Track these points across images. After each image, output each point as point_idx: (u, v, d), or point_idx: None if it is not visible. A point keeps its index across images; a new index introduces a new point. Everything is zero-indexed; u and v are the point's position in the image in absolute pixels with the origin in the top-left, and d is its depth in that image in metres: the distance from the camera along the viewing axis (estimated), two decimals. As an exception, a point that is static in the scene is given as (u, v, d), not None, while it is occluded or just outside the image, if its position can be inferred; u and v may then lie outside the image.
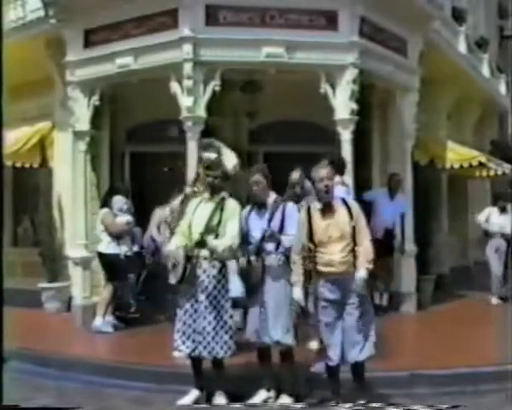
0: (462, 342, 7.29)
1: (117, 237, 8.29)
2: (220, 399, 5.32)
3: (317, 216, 4.90)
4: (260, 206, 5.35)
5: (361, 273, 4.77)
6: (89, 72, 8.95)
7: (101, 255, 8.40)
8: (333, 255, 4.79)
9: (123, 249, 8.28)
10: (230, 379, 5.48)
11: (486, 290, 10.70)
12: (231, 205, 5.35)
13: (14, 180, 10.97)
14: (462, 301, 10.59)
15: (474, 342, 7.31)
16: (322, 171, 4.90)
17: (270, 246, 5.20)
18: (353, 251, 4.82)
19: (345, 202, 4.99)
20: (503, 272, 10.75)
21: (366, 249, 4.84)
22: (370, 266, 4.83)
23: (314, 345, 6.07)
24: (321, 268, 4.83)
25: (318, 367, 5.12)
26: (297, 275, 4.96)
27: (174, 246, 5.29)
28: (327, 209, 4.88)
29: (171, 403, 5.41)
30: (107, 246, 8.31)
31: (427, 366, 6.14)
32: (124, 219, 8.34)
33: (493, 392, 5.64)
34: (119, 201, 8.45)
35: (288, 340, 5.19)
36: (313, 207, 4.96)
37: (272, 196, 5.35)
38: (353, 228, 4.82)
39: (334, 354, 4.86)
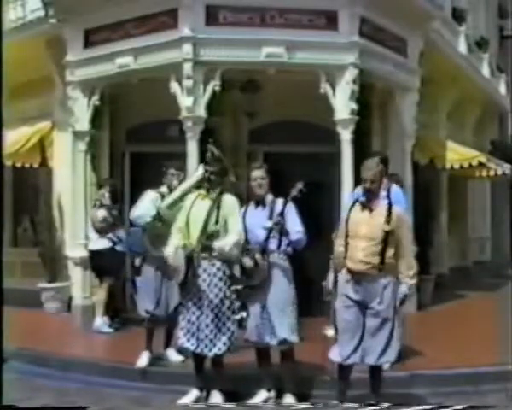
0: (462, 342, 7.30)
1: (100, 232, 8.27)
2: (216, 398, 5.31)
3: (357, 209, 4.92)
4: (258, 203, 5.33)
5: (403, 289, 4.79)
6: (89, 72, 8.95)
7: (90, 254, 8.45)
8: (355, 251, 4.77)
9: (110, 245, 8.21)
10: (231, 379, 5.47)
11: (485, 290, 10.70)
12: (229, 200, 5.34)
13: (14, 180, 10.97)
14: (461, 301, 10.60)
15: (474, 342, 7.31)
16: (366, 173, 4.86)
17: (272, 245, 5.17)
18: (382, 255, 4.73)
19: (390, 206, 4.89)
20: None
21: (409, 264, 4.83)
22: (414, 281, 4.87)
23: (330, 332, 6.04)
24: (347, 262, 4.84)
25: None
26: (334, 260, 5.02)
27: (173, 248, 5.27)
28: (366, 205, 4.87)
29: (171, 403, 5.41)
30: (94, 242, 8.36)
31: (427, 366, 6.14)
32: (99, 214, 8.30)
33: (494, 392, 5.64)
34: (98, 195, 8.52)
35: (293, 338, 5.20)
36: (359, 201, 4.96)
37: (270, 196, 5.32)
38: (386, 233, 4.74)
39: (345, 353, 4.81)
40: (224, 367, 5.39)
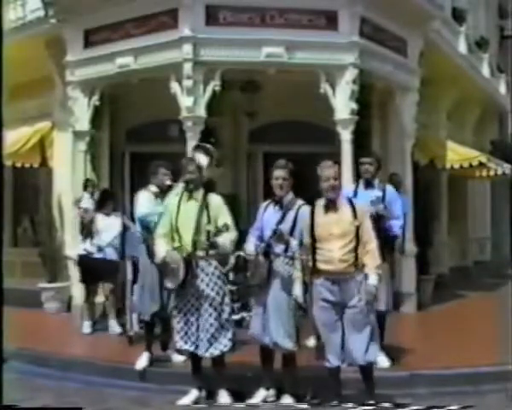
0: (463, 342, 7.29)
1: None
2: (224, 397, 5.30)
3: (319, 212, 4.89)
4: (276, 203, 5.25)
5: (371, 280, 4.74)
6: (89, 72, 8.97)
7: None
8: (332, 252, 4.75)
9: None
10: (231, 378, 5.47)
11: (485, 290, 10.68)
12: (216, 200, 5.33)
13: (14, 180, 10.99)
14: (461, 301, 10.60)
15: (474, 341, 7.30)
16: (328, 170, 4.87)
17: (278, 248, 5.11)
18: (355, 251, 4.77)
19: (350, 201, 4.97)
20: None
21: (373, 254, 4.80)
22: (379, 272, 4.82)
23: (311, 342, 6.07)
24: (320, 266, 4.81)
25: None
26: (298, 271, 4.96)
27: (165, 251, 5.23)
28: (330, 206, 4.86)
29: (171, 403, 5.40)
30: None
31: (427, 366, 6.13)
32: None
33: (493, 392, 5.63)
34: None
35: (288, 345, 5.13)
36: (318, 204, 4.94)
37: (290, 196, 5.23)
38: (357, 228, 4.78)
39: (332, 357, 4.84)
40: (225, 367, 5.38)
